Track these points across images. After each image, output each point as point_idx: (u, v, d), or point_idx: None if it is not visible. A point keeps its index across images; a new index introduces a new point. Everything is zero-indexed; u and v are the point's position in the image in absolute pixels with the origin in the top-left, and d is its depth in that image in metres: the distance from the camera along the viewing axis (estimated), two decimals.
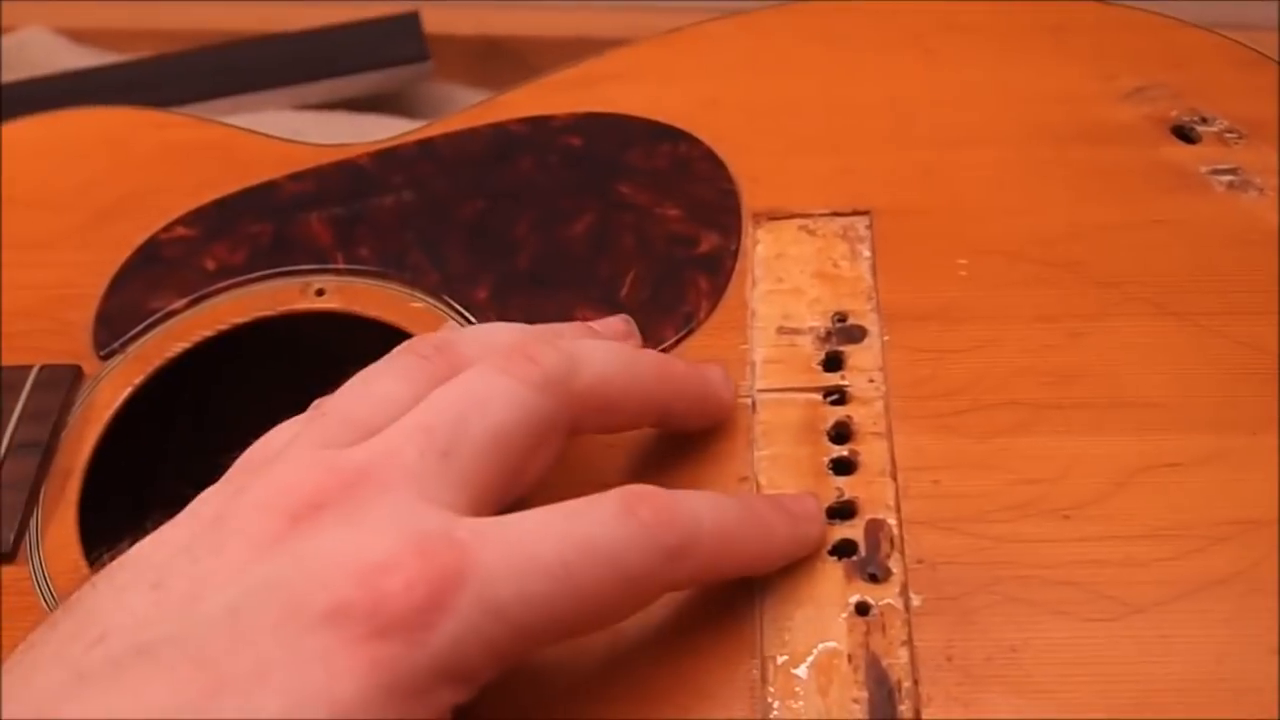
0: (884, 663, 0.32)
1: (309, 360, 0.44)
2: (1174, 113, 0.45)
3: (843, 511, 0.35)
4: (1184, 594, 0.33)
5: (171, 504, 0.31)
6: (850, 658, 0.32)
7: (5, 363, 0.44)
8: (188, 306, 0.45)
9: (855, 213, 0.43)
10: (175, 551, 0.29)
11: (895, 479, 0.36)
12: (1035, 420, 0.37)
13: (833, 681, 0.32)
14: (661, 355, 0.37)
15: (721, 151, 0.46)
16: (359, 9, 0.74)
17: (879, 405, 0.38)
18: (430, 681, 0.27)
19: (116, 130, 0.52)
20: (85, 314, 0.45)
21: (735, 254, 0.43)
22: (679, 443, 0.38)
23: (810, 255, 0.42)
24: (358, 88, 0.72)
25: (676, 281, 0.42)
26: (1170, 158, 0.43)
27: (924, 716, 0.31)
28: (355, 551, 0.28)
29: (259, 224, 0.47)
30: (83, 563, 0.39)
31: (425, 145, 0.49)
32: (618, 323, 0.40)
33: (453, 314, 0.43)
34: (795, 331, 0.40)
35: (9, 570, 0.39)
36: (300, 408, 0.34)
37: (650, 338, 0.41)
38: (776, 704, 0.32)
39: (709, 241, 0.43)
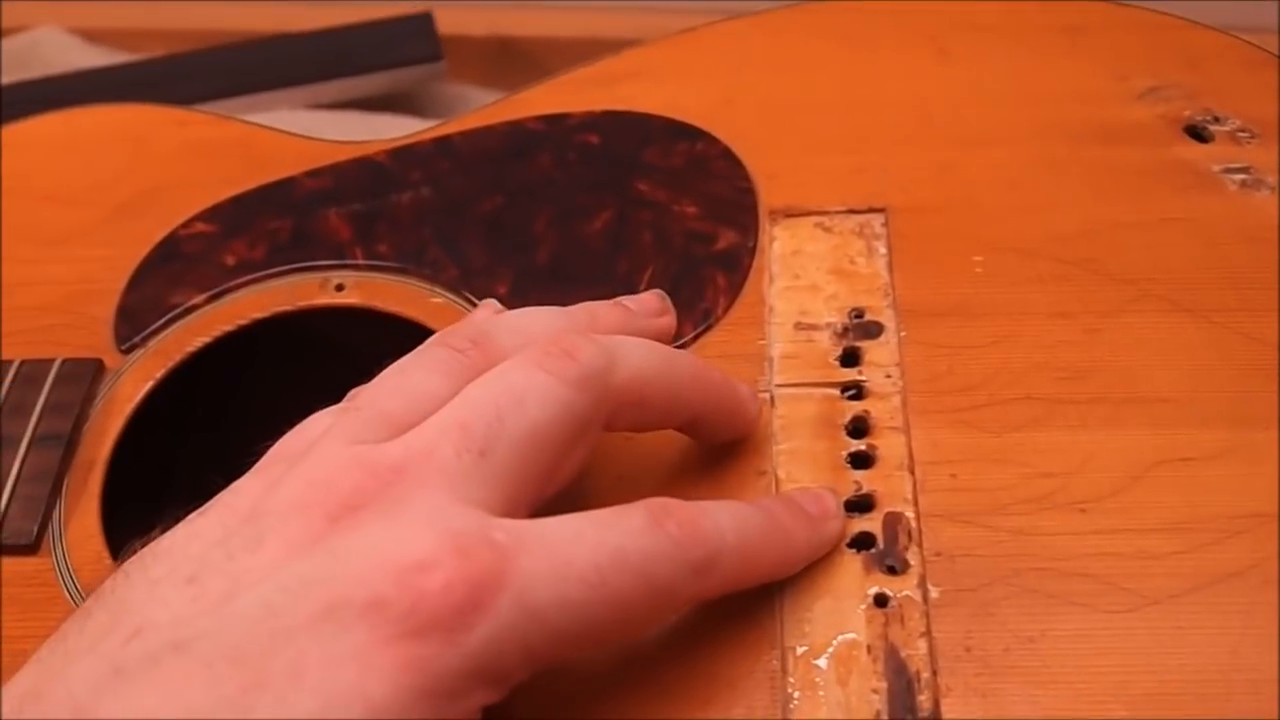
0: (903, 654, 0.32)
1: (328, 354, 0.44)
2: (1187, 112, 0.45)
3: (861, 505, 0.36)
4: (1199, 586, 0.33)
5: (192, 496, 0.32)
6: (869, 649, 0.33)
7: (28, 356, 0.44)
8: (208, 302, 0.45)
9: (871, 210, 0.43)
10: (210, 545, 0.29)
11: (913, 473, 0.36)
12: (1051, 415, 0.37)
13: (852, 672, 0.32)
14: (699, 359, 0.36)
15: (739, 149, 0.46)
16: (372, 9, 0.75)
17: (896, 400, 0.38)
18: (464, 683, 0.27)
19: (137, 127, 0.52)
20: (107, 309, 0.45)
21: (753, 251, 0.43)
22: None
23: (827, 252, 0.42)
24: (371, 87, 0.73)
25: (694, 278, 0.43)
26: (1183, 157, 0.44)
27: (943, 706, 0.31)
28: (393, 550, 0.27)
29: (278, 220, 0.47)
30: (105, 554, 0.39)
31: (443, 142, 0.49)
32: (652, 298, 0.39)
33: (473, 309, 0.43)
34: (812, 327, 0.40)
35: (32, 562, 0.39)
36: (319, 401, 0.34)
37: None
38: (797, 694, 0.32)
39: (726, 238, 0.43)
